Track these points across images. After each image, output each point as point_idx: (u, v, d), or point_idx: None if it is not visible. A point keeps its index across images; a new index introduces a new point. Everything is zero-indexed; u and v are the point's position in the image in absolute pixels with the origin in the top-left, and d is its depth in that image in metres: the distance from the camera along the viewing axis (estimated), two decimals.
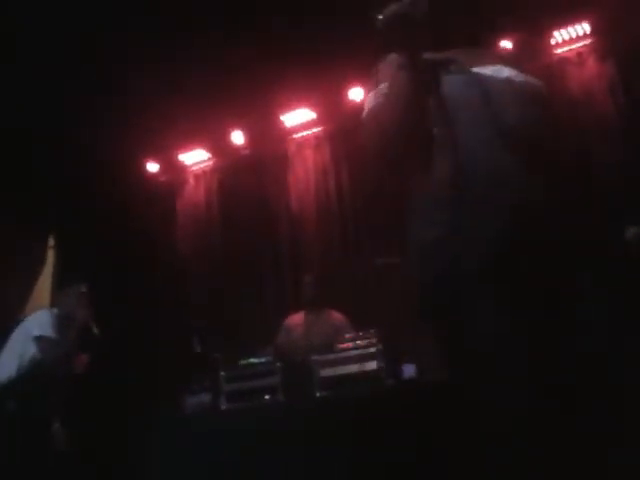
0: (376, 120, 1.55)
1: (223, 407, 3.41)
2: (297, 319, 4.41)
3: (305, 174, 5.47)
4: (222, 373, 3.46)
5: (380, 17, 1.40)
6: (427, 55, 1.51)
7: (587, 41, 4.58)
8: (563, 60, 4.64)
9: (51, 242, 5.74)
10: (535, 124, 1.49)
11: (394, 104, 1.50)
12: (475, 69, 1.55)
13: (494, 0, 1.96)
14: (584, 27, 4.47)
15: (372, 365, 3.23)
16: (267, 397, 3.35)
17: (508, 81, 1.52)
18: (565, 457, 1.30)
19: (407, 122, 1.47)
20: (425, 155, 1.48)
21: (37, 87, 4.36)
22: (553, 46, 4.61)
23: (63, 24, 3.92)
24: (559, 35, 4.50)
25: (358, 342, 3.34)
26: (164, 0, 3.93)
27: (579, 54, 4.56)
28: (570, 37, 4.52)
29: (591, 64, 4.51)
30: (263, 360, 3.49)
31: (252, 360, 3.51)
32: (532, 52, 4.41)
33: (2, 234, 4.89)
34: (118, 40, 4.08)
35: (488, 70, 1.54)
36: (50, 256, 5.67)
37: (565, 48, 4.62)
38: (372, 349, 3.27)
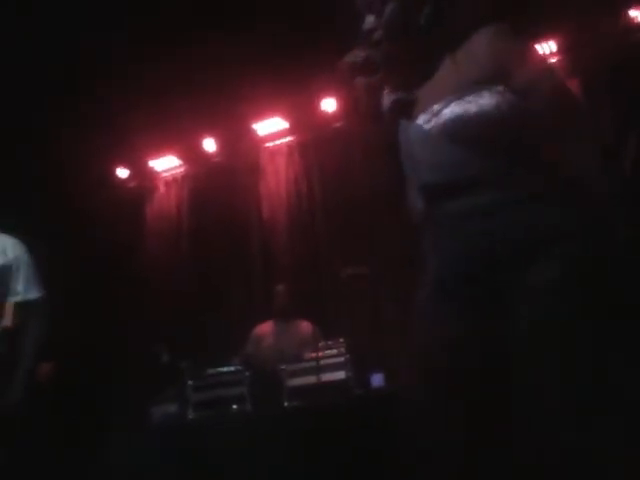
0: None
1: (190, 417, 3.38)
2: (266, 328, 4.40)
3: (277, 183, 5.48)
4: (189, 382, 3.43)
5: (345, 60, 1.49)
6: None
7: (554, 59, 4.69)
8: None
9: None
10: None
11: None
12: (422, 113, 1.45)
13: None
14: (550, 45, 4.58)
15: (340, 374, 3.24)
16: (234, 407, 3.33)
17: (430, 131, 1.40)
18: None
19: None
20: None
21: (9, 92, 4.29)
22: None
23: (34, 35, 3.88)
24: None
25: (327, 351, 3.35)
26: (134, 8, 3.92)
27: None
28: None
29: None
30: (231, 369, 3.47)
31: (220, 369, 3.49)
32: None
33: None
34: (88, 48, 4.05)
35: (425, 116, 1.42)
36: None
37: None
38: (340, 358, 3.28)
